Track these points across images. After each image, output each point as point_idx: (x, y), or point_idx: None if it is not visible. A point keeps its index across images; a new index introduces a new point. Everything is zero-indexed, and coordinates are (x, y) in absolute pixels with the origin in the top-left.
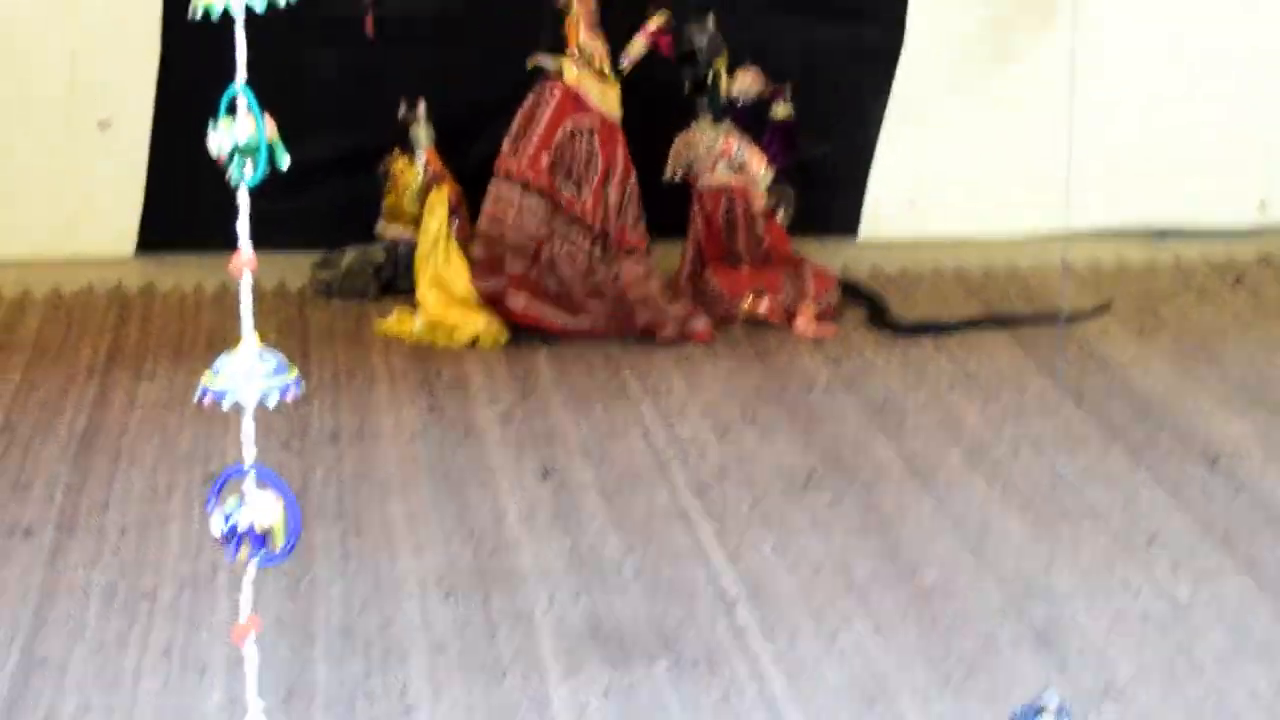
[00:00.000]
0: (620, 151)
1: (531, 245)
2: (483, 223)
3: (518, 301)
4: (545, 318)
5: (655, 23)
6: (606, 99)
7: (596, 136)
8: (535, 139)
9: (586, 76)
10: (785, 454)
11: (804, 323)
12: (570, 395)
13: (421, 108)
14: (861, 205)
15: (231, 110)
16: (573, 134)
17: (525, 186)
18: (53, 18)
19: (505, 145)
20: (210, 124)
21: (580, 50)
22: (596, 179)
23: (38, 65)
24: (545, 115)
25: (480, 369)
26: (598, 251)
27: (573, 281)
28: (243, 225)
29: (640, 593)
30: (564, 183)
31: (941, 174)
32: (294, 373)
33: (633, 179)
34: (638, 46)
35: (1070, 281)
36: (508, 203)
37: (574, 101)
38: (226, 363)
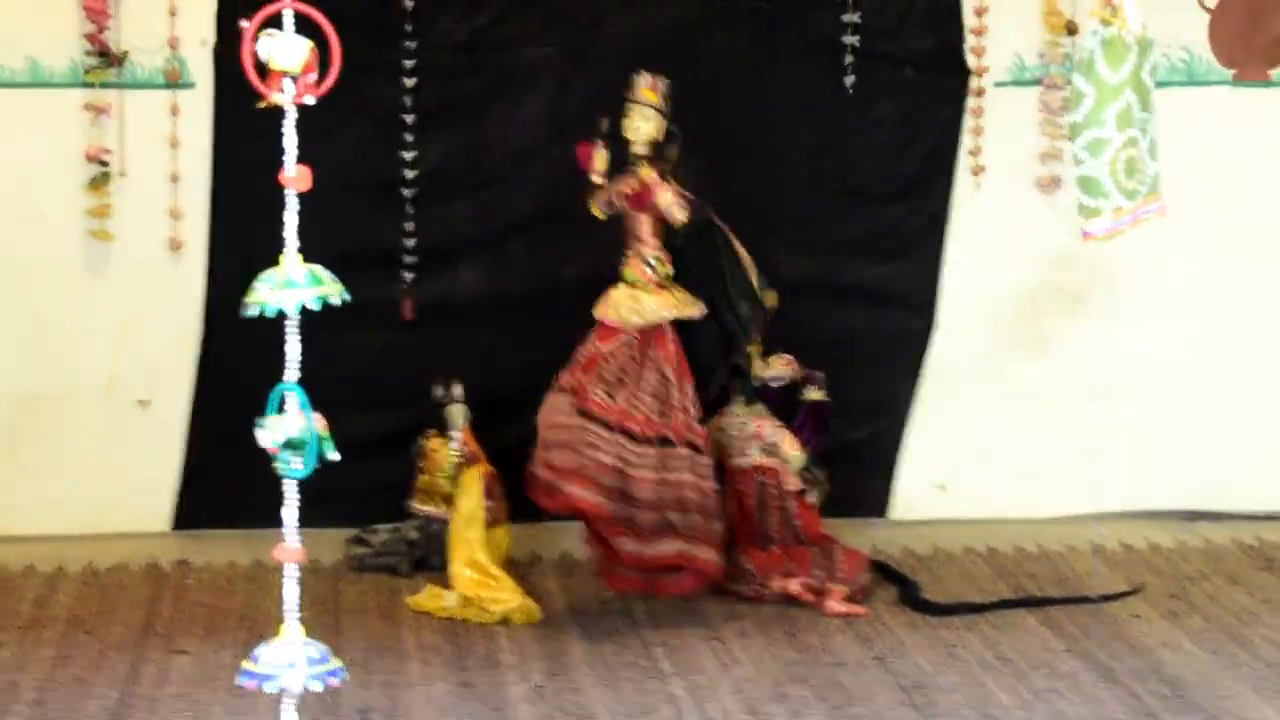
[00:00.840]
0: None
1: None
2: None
3: (575, 491)
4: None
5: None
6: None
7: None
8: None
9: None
10: None
11: (835, 603)
12: (601, 672)
13: (457, 389)
14: (891, 487)
15: (281, 405)
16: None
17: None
18: (98, 300)
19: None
20: (260, 420)
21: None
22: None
23: (81, 344)
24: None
25: (512, 645)
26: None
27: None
28: (290, 517)
29: None
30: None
31: (972, 456)
32: (336, 662)
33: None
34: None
35: (1101, 563)
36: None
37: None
38: (269, 651)
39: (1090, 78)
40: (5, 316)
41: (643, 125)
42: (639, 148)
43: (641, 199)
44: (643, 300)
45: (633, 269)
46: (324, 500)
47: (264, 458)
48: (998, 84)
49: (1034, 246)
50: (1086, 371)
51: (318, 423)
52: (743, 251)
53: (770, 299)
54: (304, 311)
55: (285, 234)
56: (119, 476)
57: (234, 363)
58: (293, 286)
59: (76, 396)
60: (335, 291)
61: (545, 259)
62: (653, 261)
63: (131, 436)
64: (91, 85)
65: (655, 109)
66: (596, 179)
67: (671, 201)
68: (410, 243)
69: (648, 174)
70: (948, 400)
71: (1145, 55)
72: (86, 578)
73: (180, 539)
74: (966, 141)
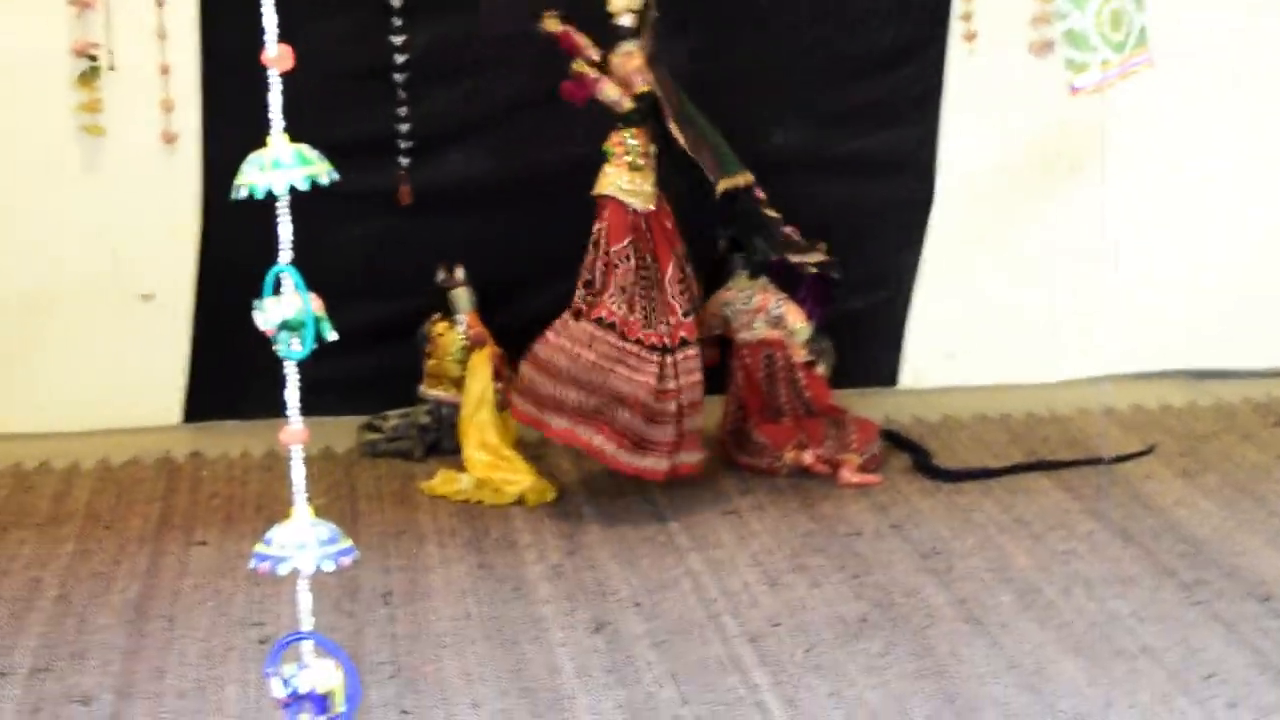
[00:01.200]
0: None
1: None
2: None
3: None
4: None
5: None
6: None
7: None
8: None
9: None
10: (836, 602)
11: (848, 473)
12: (618, 549)
13: (460, 272)
14: (900, 356)
15: (277, 288)
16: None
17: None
18: (94, 196)
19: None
20: (257, 302)
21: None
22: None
23: (80, 243)
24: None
25: (527, 526)
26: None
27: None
28: (292, 398)
29: None
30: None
31: (979, 323)
32: (346, 541)
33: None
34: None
35: (1113, 424)
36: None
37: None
38: (280, 533)
39: None
40: (4, 219)
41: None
42: (619, 19)
43: (574, 89)
44: (638, 180)
45: (612, 144)
46: (335, 388)
47: (271, 346)
48: None
49: (1030, 111)
50: (1089, 233)
51: (314, 303)
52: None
53: (744, 178)
54: (300, 199)
55: (271, 115)
56: (128, 371)
57: (235, 253)
58: (280, 166)
59: (80, 294)
60: (323, 170)
61: (539, 140)
62: (629, 140)
63: (138, 331)
64: None
65: None
66: (611, 92)
67: (611, 95)
68: (404, 128)
69: (580, 68)
70: (952, 267)
71: None
72: (101, 473)
73: (193, 431)
74: (958, 8)
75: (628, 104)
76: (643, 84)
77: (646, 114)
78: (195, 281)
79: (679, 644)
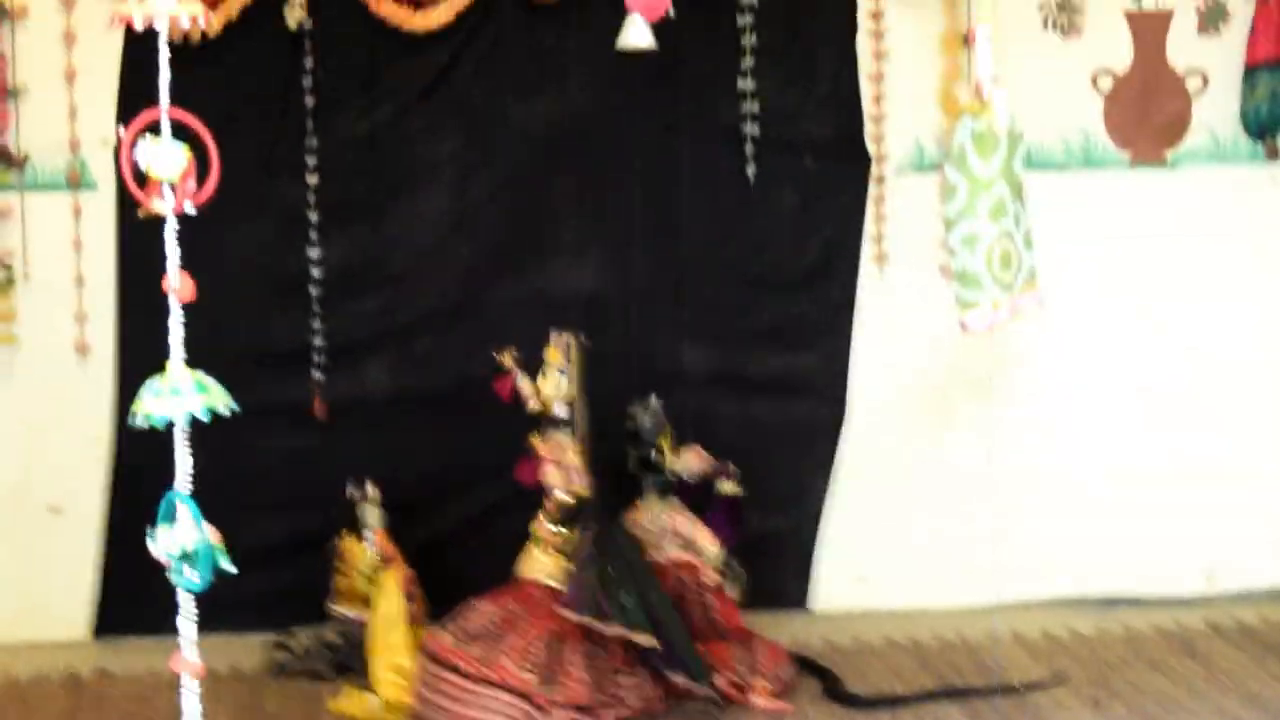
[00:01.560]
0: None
1: None
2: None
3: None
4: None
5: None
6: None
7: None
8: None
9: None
10: None
11: (759, 697)
12: None
13: (370, 488)
14: (810, 579)
15: (172, 515)
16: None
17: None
18: (5, 406)
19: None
20: (150, 531)
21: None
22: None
23: None
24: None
25: None
26: None
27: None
28: (186, 629)
29: None
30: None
31: (889, 546)
32: None
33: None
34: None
35: (1022, 651)
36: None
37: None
38: None
39: (962, 170)
40: None
41: (547, 387)
42: (548, 408)
43: (530, 470)
44: (563, 564)
45: (541, 533)
46: (243, 604)
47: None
48: (898, 170)
49: (938, 333)
50: (998, 456)
51: (211, 534)
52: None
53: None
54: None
55: (172, 339)
56: (35, 584)
57: (147, 465)
58: (178, 394)
59: None
60: (222, 401)
61: (453, 355)
62: (564, 535)
63: (45, 543)
64: None
65: (559, 369)
66: (534, 405)
67: (555, 483)
68: (318, 341)
69: (539, 444)
70: (862, 489)
71: (1015, 147)
72: (7, 688)
73: (100, 647)
74: (869, 228)
75: (569, 501)
76: (581, 485)
77: (582, 519)
78: (106, 494)
79: None
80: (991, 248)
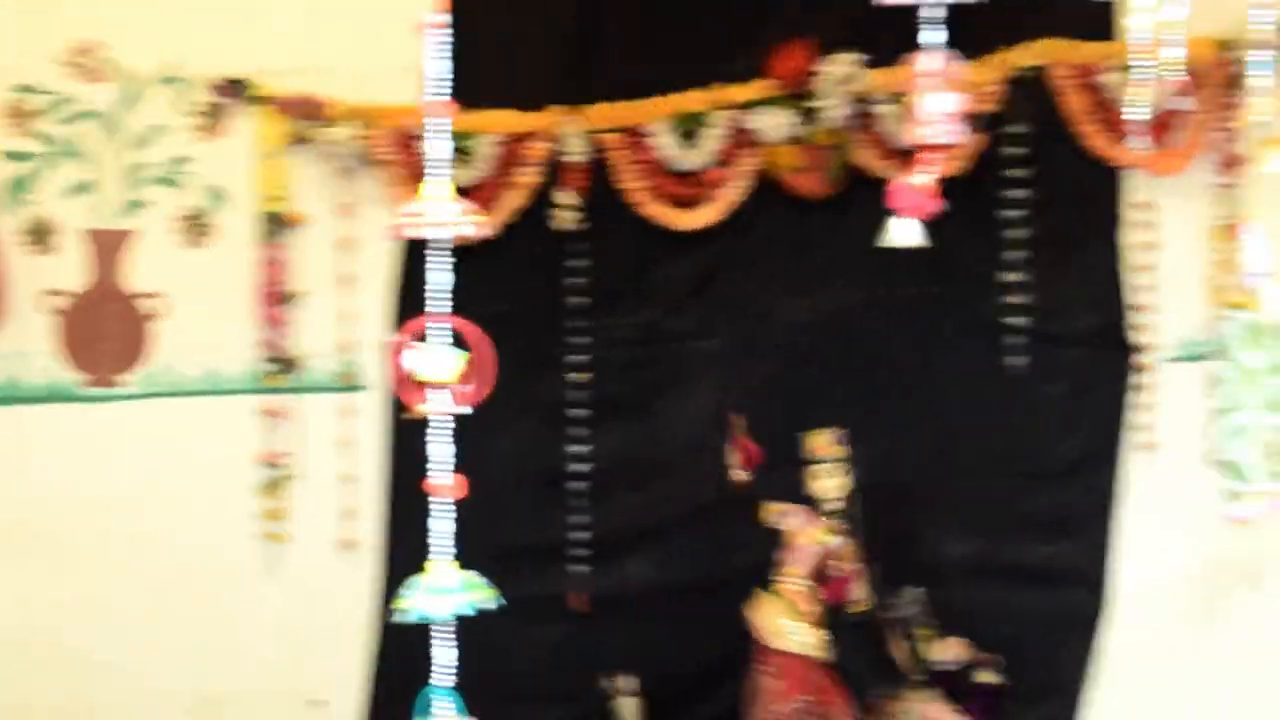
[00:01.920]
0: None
1: None
2: None
3: None
4: None
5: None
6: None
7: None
8: None
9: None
10: None
11: None
12: None
13: (626, 682)
14: None
15: (427, 709)
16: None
17: None
18: (273, 601)
19: None
20: None
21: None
22: None
23: (256, 646)
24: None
25: None
26: None
27: None
28: None
29: None
30: None
31: None
32: None
33: None
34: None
35: None
36: None
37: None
38: None
39: (1233, 362)
40: (185, 618)
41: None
42: (827, 504)
43: (840, 587)
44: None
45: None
46: None
47: None
48: (1168, 359)
49: (1207, 522)
50: (1271, 649)
51: None
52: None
53: None
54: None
55: (440, 539)
56: None
57: (406, 663)
58: (444, 592)
59: (252, 698)
60: (489, 597)
61: (715, 548)
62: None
63: None
64: (268, 391)
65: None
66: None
67: (858, 594)
68: (582, 535)
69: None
70: (1124, 681)
71: None
72: None
73: None
74: (1136, 418)
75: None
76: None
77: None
78: (367, 690)
79: None
80: (1262, 439)
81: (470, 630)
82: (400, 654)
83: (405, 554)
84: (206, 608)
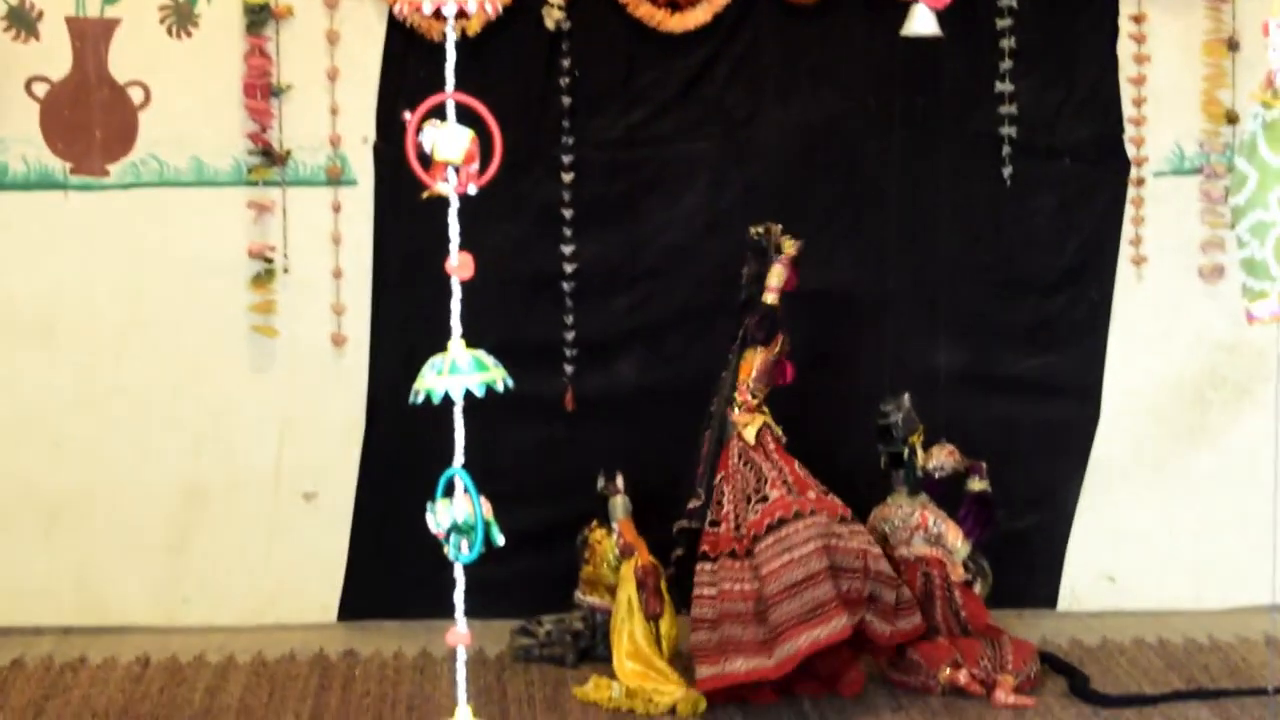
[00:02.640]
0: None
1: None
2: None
3: (737, 666)
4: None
5: (790, 249)
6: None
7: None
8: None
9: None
10: None
11: (1003, 694)
12: None
13: (619, 480)
14: (1060, 578)
15: (449, 491)
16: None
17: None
18: (263, 393)
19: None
20: (429, 504)
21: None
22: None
23: (246, 440)
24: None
25: None
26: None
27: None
28: (459, 600)
29: None
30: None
31: (1140, 547)
32: None
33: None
34: (777, 275)
35: (1276, 655)
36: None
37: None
38: None
39: (1253, 160)
40: (174, 411)
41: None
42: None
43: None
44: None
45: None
46: (489, 591)
47: (428, 548)
48: (1157, 173)
49: (1197, 335)
50: (1254, 461)
51: (485, 507)
52: None
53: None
54: (468, 401)
55: (450, 321)
56: (286, 568)
57: (397, 455)
58: (458, 372)
59: (243, 490)
60: (500, 376)
61: (701, 351)
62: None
63: (297, 529)
64: (255, 184)
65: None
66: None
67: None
68: (569, 335)
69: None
70: (1114, 490)
71: None
72: (256, 668)
73: (347, 629)
74: (1127, 231)
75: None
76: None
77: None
78: (357, 482)
79: None
80: None
81: (466, 427)
82: (390, 446)
83: (393, 348)
84: (197, 400)
